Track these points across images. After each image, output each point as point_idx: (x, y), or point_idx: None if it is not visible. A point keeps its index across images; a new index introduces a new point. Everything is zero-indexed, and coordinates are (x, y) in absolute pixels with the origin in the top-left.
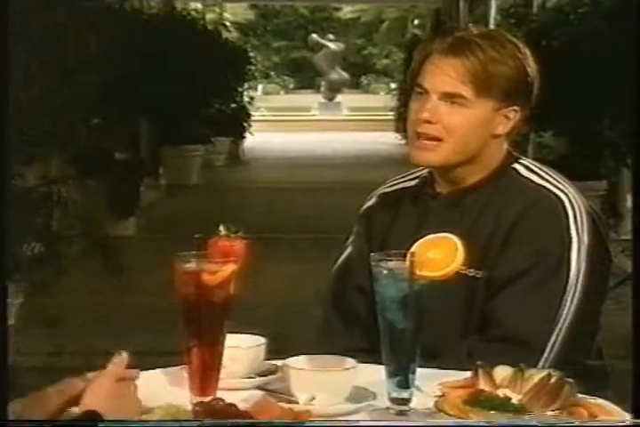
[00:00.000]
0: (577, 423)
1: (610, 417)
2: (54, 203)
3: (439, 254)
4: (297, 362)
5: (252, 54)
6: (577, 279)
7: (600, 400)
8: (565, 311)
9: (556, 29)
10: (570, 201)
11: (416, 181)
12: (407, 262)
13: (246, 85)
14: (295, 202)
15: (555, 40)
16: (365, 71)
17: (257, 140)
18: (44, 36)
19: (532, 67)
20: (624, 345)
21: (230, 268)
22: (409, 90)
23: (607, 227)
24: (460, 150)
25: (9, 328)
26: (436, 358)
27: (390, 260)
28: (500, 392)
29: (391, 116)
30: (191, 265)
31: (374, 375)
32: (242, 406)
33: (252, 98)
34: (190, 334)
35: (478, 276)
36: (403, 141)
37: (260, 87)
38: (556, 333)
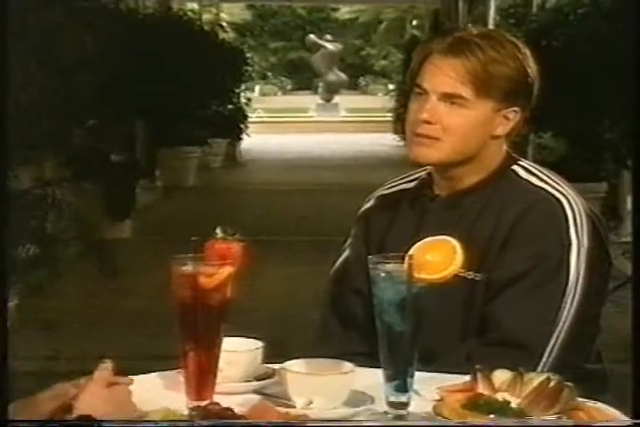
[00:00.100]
0: (573, 424)
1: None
2: (49, 205)
3: (437, 257)
4: (294, 366)
5: (248, 55)
6: (576, 282)
7: (599, 404)
8: (565, 314)
9: (556, 30)
10: (569, 203)
11: (415, 182)
12: (405, 265)
13: (243, 86)
14: (293, 204)
15: (554, 41)
16: (363, 72)
17: (254, 141)
18: (39, 36)
19: (532, 67)
20: (624, 348)
21: (227, 270)
22: (408, 90)
23: (607, 229)
24: (459, 150)
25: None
26: (434, 362)
27: (388, 262)
28: (499, 396)
29: (389, 117)
30: (187, 268)
31: (372, 379)
32: (238, 410)
33: (248, 99)
34: (186, 337)
35: (477, 278)
36: (401, 143)
37: (257, 88)
38: (555, 336)
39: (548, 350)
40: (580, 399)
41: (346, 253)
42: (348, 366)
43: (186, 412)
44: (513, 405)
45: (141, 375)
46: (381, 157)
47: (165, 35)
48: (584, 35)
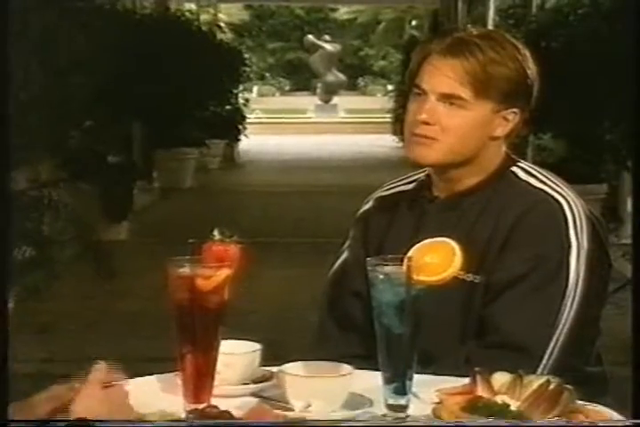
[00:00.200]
0: (572, 424)
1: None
2: (45, 206)
3: (436, 259)
4: (292, 368)
5: (246, 55)
6: (576, 284)
7: (600, 407)
8: (565, 317)
9: (555, 30)
10: (569, 205)
11: (413, 184)
12: (404, 267)
13: (241, 87)
14: (291, 205)
15: (554, 41)
16: (362, 73)
17: (252, 142)
18: (35, 36)
19: (531, 68)
20: (624, 351)
21: (224, 273)
22: (407, 91)
23: (607, 231)
24: (458, 151)
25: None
26: (433, 364)
27: (387, 264)
28: (499, 399)
29: (388, 118)
30: (185, 270)
31: (371, 382)
32: (236, 413)
33: (246, 100)
34: (184, 339)
35: (476, 281)
36: (400, 144)
37: (255, 89)
38: (555, 338)
39: (548, 352)
40: (580, 402)
41: (344, 255)
42: (346, 368)
43: (183, 415)
44: (512, 407)
45: (138, 378)
46: (380, 159)
47: (163, 35)
48: (584, 35)
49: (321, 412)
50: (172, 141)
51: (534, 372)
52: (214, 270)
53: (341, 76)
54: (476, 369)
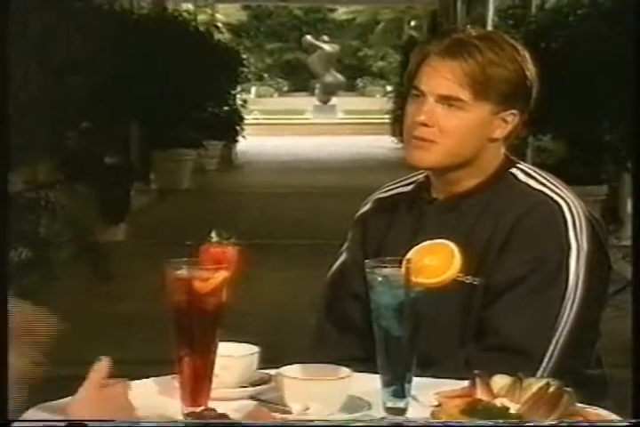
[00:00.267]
0: (571, 424)
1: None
2: (42, 208)
3: (436, 261)
4: (290, 371)
5: (244, 56)
6: (576, 286)
7: (600, 410)
8: (564, 319)
9: (555, 31)
10: (568, 206)
11: (412, 186)
12: (403, 269)
13: (239, 88)
14: (289, 207)
15: (553, 42)
16: (361, 73)
17: (250, 143)
18: (31, 37)
19: (530, 70)
20: (624, 353)
21: (222, 275)
22: (405, 92)
23: (607, 233)
24: (457, 153)
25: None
26: (432, 367)
27: (385, 266)
28: (498, 402)
29: (387, 119)
30: (182, 272)
31: (369, 385)
32: (234, 416)
33: (244, 101)
34: (181, 342)
35: (475, 283)
36: (399, 145)
37: (253, 90)
38: (554, 341)
39: (548, 355)
40: (580, 405)
41: (343, 257)
42: (344, 371)
43: (180, 418)
44: (512, 410)
45: (135, 381)
46: (379, 160)
47: (160, 36)
48: (583, 36)
49: (319, 415)
50: (170, 143)
51: (534, 375)
52: (212, 272)
53: (340, 77)
54: (476, 372)
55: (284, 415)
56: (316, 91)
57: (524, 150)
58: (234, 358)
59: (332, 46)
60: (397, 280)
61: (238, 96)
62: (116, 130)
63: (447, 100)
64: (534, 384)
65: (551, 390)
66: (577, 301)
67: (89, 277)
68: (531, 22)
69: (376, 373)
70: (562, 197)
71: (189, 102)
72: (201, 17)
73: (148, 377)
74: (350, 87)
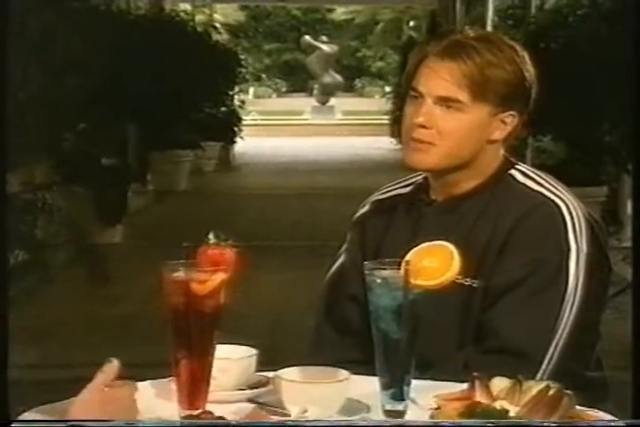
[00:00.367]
0: (570, 424)
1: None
2: (39, 209)
3: (434, 263)
4: (289, 374)
5: (242, 57)
6: (575, 288)
7: (600, 413)
8: (564, 321)
9: (555, 31)
10: (568, 208)
11: (410, 187)
12: (402, 271)
13: (237, 89)
14: (287, 208)
15: (553, 42)
16: (359, 74)
17: (248, 144)
18: (29, 37)
19: (529, 71)
20: (624, 355)
21: (220, 277)
22: (404, 93)
23: (607, 234)
24: (455, 154)
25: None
26: (431, 370)
27: (384, 268)
28: (498, 404)
29: (386, 120)
30: (180, 274)
31: (368, 387)
32: (232, 418)
33: (242, 101)
34: (179, 344)
35: (474, 285)
36: (398, 146)
37: (251, 90)
38: (554, 343)
39: (548, 357)
40: (580, 408)
41: (341, 259)
42: (343, 373)
43: (178, 421)
44: (511, 413)
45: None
46: (377, 161)
47: (157, 36)
48: (583, 36)
49: (317, 418)
50: (167, 144)
51: (534, 377)
52: (209, 274)
53: (338, 78)
54: (475, 374)
55: (282, 418)
56: (315, 91)
57: (523, 151)
58: (232, 361)
59: (330, 47)
60: (396, 282)
61: (236, 97)
62: (113, 131)
63: (445, 102)
64: (534, 387)
65: (551, 392)
66: (577, 303)
67: (86, 279)
68: (530, 23)
69: (375, 375)
70: (561, 199)
71: (187, 103)
72: (198, 17)
73: (145, 380)
74: (349, 88)
